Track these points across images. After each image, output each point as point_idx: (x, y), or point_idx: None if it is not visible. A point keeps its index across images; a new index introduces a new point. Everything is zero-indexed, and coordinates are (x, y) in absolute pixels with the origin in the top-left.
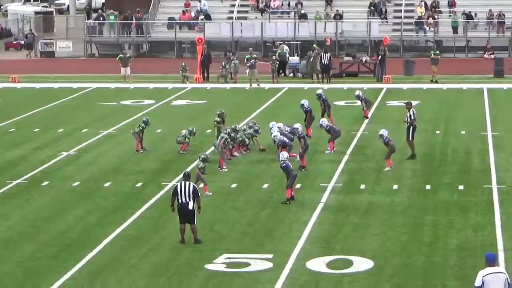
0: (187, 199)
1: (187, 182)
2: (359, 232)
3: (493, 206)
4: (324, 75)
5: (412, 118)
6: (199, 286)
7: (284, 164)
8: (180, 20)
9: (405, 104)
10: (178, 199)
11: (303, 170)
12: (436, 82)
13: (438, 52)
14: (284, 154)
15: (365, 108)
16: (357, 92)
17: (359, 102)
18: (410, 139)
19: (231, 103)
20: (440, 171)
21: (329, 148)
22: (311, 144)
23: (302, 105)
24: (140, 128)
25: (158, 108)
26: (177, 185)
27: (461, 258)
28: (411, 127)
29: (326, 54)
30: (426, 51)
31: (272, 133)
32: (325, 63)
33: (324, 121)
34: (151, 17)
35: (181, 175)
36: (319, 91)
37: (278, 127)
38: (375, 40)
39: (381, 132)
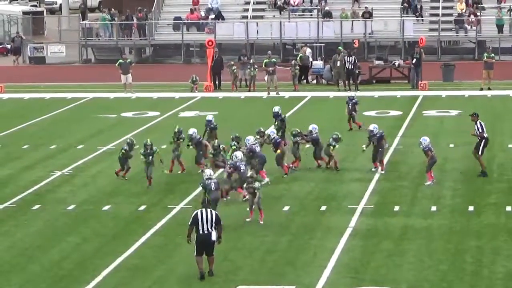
0: (210, 229)
1: (208, 210)
2: (392, 260)
3: None
4: (351, 81)
5: (481, 130)
6: None
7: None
8: (188, 20)
9: (470, 116)
10: (199, 230)
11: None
12: (489, 89)
13: (493, 54)
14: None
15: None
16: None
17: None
18: (480, 153)
19: (246, 114)
20: (484, 190)
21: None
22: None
23: (277, 113)
24: (122, 152)
25: (164, 121)
26: (197, 213)
27: None
28: (483, 141)
29: (350, 58)
30: (468, 53)
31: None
32: (349, 67)
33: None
34: (155, 17)
35: (201, 203)
36: (276, 109)
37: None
38: (410, 41)
39: (421, 139)
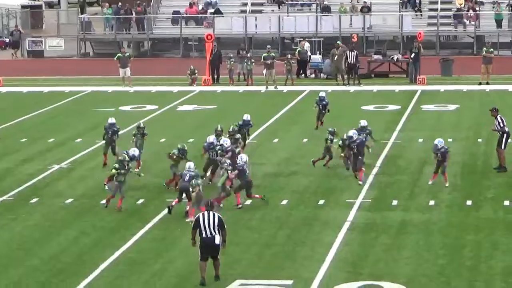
0: (213, 232)
1: (211, 213)
2: (390, 254)
3: None
4: (351, 75)
5: (502, 125)
6: None
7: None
8: (187, 14)
9: (490, 111)
10: (201, 233)
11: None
12: (488, 84)
13: (491, 49)
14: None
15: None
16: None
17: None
18: (503, 147)
19: (244, 108)
20: (483, 185)
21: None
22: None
23: (244, 121)
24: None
25: (162, 114)
26: (198, 217)
27: (507, 284)
28: (505, 135)
29: (352, 52)
30: (466, 48)
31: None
32: (351, 62)
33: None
34: (153, 11)
35: (204, 206)
36: (248, 116)
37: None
38: (408, 35)
39: (436, 141)
